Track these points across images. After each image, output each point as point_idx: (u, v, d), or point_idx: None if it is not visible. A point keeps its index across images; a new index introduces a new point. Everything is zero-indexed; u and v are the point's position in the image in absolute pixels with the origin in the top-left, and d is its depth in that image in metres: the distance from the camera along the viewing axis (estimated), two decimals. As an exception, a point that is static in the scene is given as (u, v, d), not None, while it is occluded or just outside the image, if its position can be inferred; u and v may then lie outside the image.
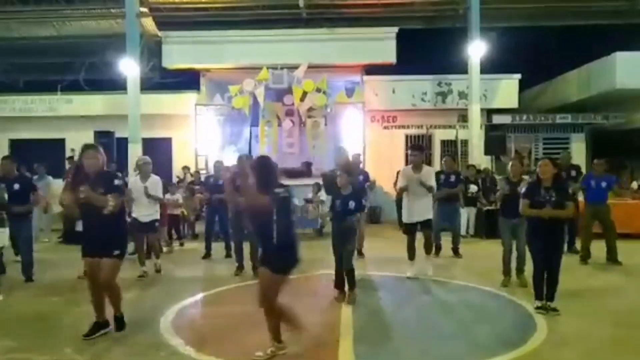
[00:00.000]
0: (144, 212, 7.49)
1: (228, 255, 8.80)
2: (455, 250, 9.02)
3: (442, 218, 8.82)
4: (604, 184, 8.27)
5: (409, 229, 7.28)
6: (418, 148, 7.59)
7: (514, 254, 6.76)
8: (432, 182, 7.08)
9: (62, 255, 9.19)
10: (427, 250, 7.33)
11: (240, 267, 7.66)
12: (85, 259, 4.82)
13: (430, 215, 7.20)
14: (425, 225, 7.21)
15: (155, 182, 7.59)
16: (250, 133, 15.11)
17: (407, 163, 10.55)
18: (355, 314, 5.45)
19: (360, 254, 8.74)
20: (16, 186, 6.94)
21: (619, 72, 13.63)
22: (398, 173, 8.16)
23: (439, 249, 8.90)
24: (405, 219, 7.30)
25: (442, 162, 9.74)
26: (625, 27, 15.02)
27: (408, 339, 4.76)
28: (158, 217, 7.74)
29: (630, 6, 14.64)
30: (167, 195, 9.92)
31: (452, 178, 9.06)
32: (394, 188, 8.74)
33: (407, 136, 15.23)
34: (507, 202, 6.56)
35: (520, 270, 6.73)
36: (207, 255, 8.99)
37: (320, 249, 8.08)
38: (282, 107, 14.84)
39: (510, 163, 7.01)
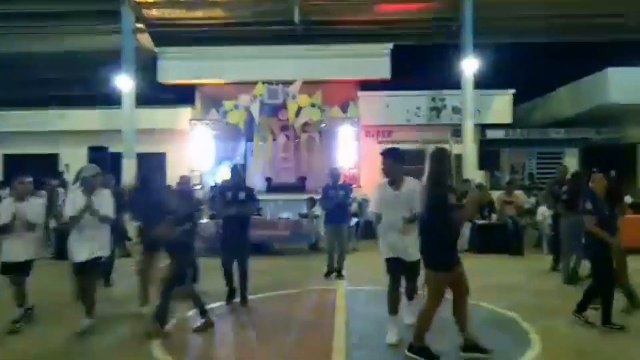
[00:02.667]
0: (86, 244, 5.40)
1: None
2: None
3: None
4: None
5: (392, 267, 4.97)
6: (391, 154, 5.01)
7: None
8: (416, 206, 4.71)
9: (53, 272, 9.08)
10: (409, 296, 5.25)
11: (232, 292, 6.52)
12: (448, 274, 4.36)
13: (417, 255, 4.76)
14: (411, 270, 5.00)
15: (104, 198, 5.55)
16: (246, 148, 15.15)
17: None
18: (349, 329, 5.40)
19: (340, 274, 8.17)
20: None
21: (611, 88, 13.77)
22: None
23: None
24: (384, 253, 5.00)
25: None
26: (619, 42, 15.20)
27: (401, 355, 4.71)
28: (107, 252, 5.84)
29: (623, 22, 14.84)
30: None
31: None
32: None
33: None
34: None
35: None
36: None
37: (314, 263, 8.04)
38: (277, 122, 14.91)
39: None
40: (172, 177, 14.82)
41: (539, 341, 4.92)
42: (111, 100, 14.52)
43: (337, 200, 8.24)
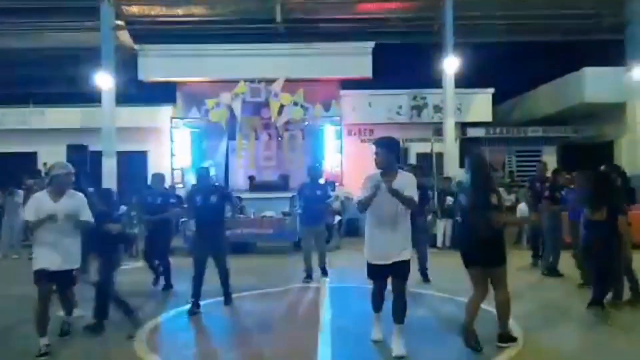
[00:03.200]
0: (55, 252, 4.63)
1: (156, 283, 7.47)
2: (424, 274, 7.65)
3: None
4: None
5: (372, 274, 4.66)
6: (384, 144, 4.59)
7: None
8: (412, 193, 4.42)
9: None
10: (397, 316, 4.56)
11: (197, 304, 6.06)
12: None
13: (406, 254, 4.51)
14: (398, 271, 4.50)
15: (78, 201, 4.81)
16: (228, 146, 15.10)
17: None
18: (334, 325, 5.44)
19: (324, 272, 7.99)
20: None
21: (587, 87, 14.08)
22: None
23: None
24: (366, 256, 4.64)
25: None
26: (595, 42, 15.51)
27: (383, 350, 4.75)
28: (79, 264, 4.90)
29: (595, 23, 15.15)
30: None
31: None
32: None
33: (383, 149, 15.37)
34: None
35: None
36: (157, 280, 7.58)
37: (298, 261, 8.04)
38: (259, 120, 14.91)
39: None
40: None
41: (521, 335, 5.01)
42: (91, 98, 14.31)
43: (313, 199, 7.80)
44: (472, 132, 15.25)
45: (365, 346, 4.81)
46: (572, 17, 14.94)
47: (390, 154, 4.50)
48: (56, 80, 16.12)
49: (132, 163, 14.83)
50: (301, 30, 15.12)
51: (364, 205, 4.45)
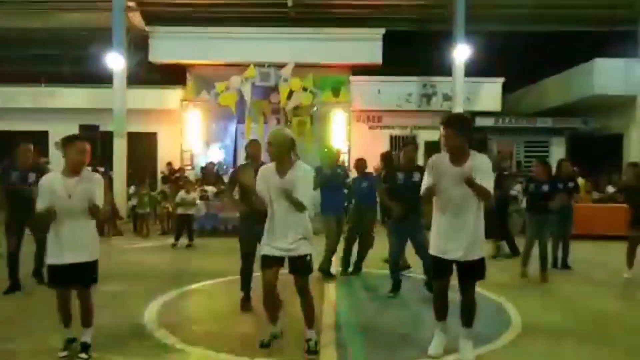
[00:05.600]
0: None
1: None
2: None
3: (400, 236, 6.04)
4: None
5: (439, 269, 4.08)
6: (454, 123, 4.08)
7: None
8: (485, 180, 3.88)
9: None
10: (464, 319, 4.08)
11: (248, 298, 5.49)
12: None
13: (477, 252, 3.97)
14: (469, 270, 3.97)
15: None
16: (237, 130, 15.19)
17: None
18: (337, 308, 5.56)
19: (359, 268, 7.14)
20: None
21: (597, 78, 13.96)
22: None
23: (397, 286, 6.04)
24: (432, 249, 4.11)
25: (400, 155, 6.31)
26: (607, 33, 15.37)
27: (385, 333, 4.86)
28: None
29: (611, 14, 15.00)
30: (182, 193, 9.98)
31: (417, 177, 5.60)
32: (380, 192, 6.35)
33: (391, 136, 15.43)
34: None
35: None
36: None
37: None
38: (268, 104, 14.94)
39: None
40: (163, 157, 14.94)
41: (520, 320, 5.12)
42: (102, 78, 14.41)
43: (334, 184, 7.03)
44: (480, 121, 15.21)
45: (368, 326, 4.93)
46: (586, 7, 14.81)
47: (460, 134, 3.94)
48: (68, 60, 16.22)
49: (143, 144, 14.99)
50: (312, 15, 15.10)
51: (428, 193, 4.02)
